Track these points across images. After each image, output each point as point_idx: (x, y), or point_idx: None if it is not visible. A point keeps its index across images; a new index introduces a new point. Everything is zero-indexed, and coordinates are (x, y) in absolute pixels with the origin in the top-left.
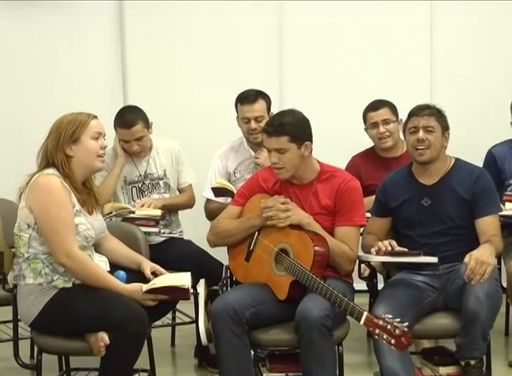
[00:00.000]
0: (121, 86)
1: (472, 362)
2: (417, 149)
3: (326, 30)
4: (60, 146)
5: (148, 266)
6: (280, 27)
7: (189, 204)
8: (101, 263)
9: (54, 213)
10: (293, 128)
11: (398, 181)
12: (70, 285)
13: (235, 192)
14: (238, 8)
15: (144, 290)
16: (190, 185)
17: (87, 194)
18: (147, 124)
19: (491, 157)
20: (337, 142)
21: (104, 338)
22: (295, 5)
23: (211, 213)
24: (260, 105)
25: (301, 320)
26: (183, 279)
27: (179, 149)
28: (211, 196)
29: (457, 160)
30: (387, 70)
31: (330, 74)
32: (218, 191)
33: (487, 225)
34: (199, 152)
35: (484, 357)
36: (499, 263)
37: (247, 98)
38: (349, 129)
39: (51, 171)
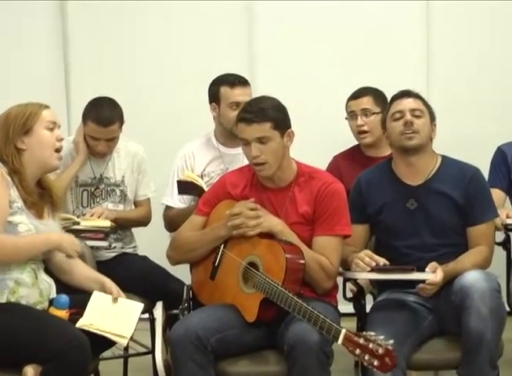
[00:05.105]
0: (63, 83)
1: None
2: (405, 133)
3: (305, 18)
4: (10, 140)
5: (114, 288)
6: (251, 10)
7: (145, 221)
8: (46, 284)
9: None
10: (276, 112)
11: (376, 180)
12: (3, 300)
13: (205, 189)
14: None
15: (78, 326)
16: (148, 199)
17: (39, 196)
18: (122, 124)
19: (500, 154)
20: (317, 141)
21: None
22: None
23: (171, 221)
24: (250, 89)
25: (296, 345)
26: (126, 327)
27: (143, 156)
28: (172, 202)
29: (444, 157)
30: (376, 61)
31: (310, 65)
32: (184, 187)
33: (479, 235)
34: (157, 155)
35: None
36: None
37: (239, 79)
38: (331, 127)
39: None
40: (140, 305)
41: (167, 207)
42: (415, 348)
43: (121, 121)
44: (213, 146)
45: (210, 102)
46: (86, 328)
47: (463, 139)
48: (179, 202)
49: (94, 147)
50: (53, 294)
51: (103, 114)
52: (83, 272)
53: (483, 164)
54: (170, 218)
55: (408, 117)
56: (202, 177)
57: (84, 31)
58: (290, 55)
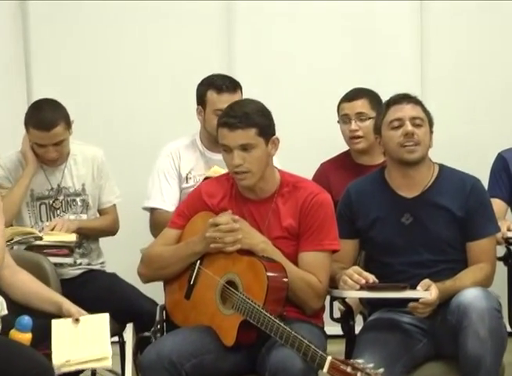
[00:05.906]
0: (25, 84)
1: None
2: (405, 146)
3: (289, 18)
4: None
5: (73, 308)
6: (231, 10)
7: (112, 230)
8: None
9: None
10: (261, 117)
11: (368, 191)
12: None
13: None
14: None
15: (57, 368)
16: (114, 205)
17: None
18: (69, 125)
19: (501, 161)
20: (303, 147)
21: None
22: None
23: (163, 226)
24: (239, 95)
25: (279, 372)
26: (102, 345)
27: (103, 159)
28: (164, 205)
29: (442, 166)
30: (367, 62)
31: (294, 67)
32: None
33: (479, 251)
34: (124, 158)
35: None
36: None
37: (227, 84)
38: (318, 132)
39: None
40: (105, 316)
41: (153, 211)
42: (407, 371)
43: (66, 122)
44: (198, 149)
45: (197, 104)
46: (67, 369)
47: (458, 142)
48: (172, 205)
49: (43, 155)
50: (4, 311)
51: (44, 117)
52: (37, 291)
53: (479, 169)
54: (162, 223)
55: (409, 127)
56: (187, 180)
57: (46, 29)
58: (272, 56)
